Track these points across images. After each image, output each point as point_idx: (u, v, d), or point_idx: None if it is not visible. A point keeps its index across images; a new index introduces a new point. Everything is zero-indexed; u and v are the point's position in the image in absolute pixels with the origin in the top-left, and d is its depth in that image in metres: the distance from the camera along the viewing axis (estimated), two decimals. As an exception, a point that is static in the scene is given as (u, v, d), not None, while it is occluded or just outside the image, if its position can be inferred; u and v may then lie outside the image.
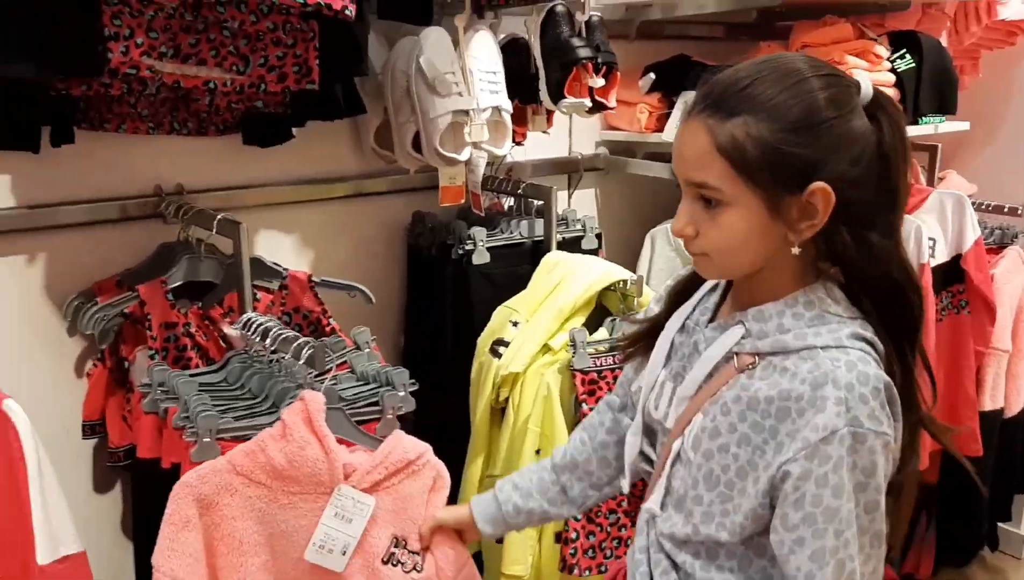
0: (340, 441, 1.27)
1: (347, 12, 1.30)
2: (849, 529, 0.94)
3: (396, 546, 1.27)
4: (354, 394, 1.39)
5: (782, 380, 0.96)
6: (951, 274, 2.24)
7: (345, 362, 1.48)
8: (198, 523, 1.20)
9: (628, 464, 1.20)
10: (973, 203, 2.36)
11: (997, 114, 2.71)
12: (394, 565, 1.26)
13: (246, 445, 1.23)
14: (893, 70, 2.12)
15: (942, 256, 2.22)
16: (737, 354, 1.03)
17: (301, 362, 1.30)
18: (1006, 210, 2.48)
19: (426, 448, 1.30)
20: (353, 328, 1.51)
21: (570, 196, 2.26)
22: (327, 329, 1.59)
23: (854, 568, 0.95)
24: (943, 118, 2.24)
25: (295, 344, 1.31)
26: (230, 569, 1.22)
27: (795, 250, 0.98)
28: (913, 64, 2.12)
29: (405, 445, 1.28)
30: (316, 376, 1.36)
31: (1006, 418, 2.33)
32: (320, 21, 1.42)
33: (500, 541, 1.62)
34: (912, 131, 2.19)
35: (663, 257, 2.18)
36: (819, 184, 0.94)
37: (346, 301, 1.70)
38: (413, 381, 1.40)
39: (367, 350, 1.50)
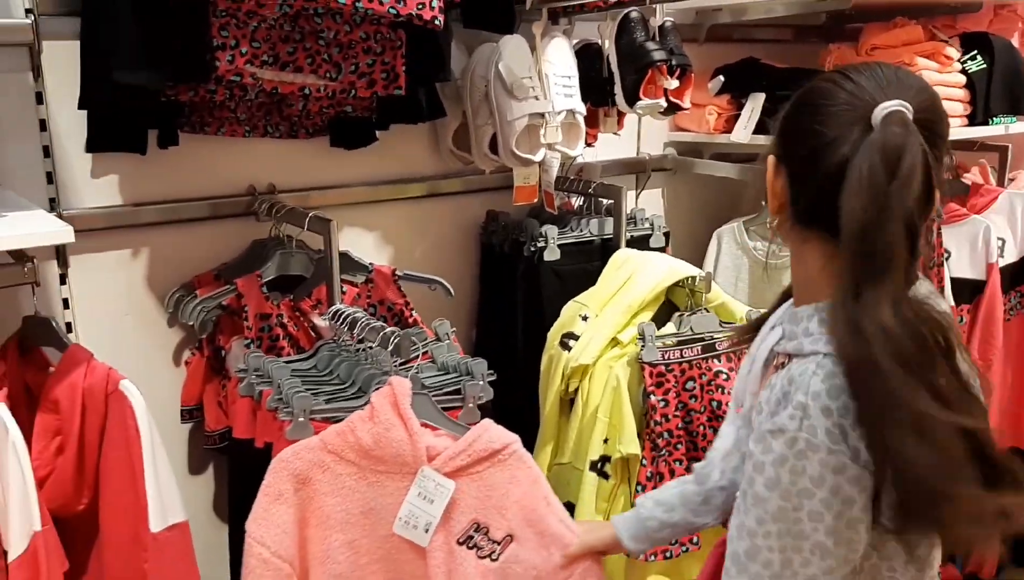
0: (425, 425, 1.34)
1: (436, 22, 1.39)
2: (776, 524, 0.94)
3: (476, 531, 1.32)
4: (436, 382, 1.48)
5: (782, 381, 0.98)
6: (1020, 274, 2.24)
7: (427, 352, 1.56)
8: (292, 497, 1.29)
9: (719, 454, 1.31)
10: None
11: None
12: (470, 548, 1.32)
13: (337, 425, 1.32)
14: (964, 71, 2.13)
15: (1011, 256, 2.23)
16: (777, 354, 1.07)
17: (388, 350, 1.40)
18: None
19: (513, 439, 1.34)
20: (434, 320, 1.59)
21: (638, 195, 2.32)
22: (410, 321, 1.68)
23: (772, 560, 0.95)
24: (1014, 119, 2.24)
25: (382, 333, 1.40)
26: (317, 541, 1.31)
27: (775, 221, 1.05)
28: (984, 65, 2.13)
29: (491, 434, 1.33)
30: (401, 364, 1.45)
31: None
32: (407, 30, 1.51)
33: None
34: (983, 131, 2.20)
35: (729, 255, 2.23)
36: (772, 156, 1.03)
37: (422, 296, 1.79)
38: (491, 371, 1.48)
39: (447, 341, 1.58)
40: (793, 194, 1.01)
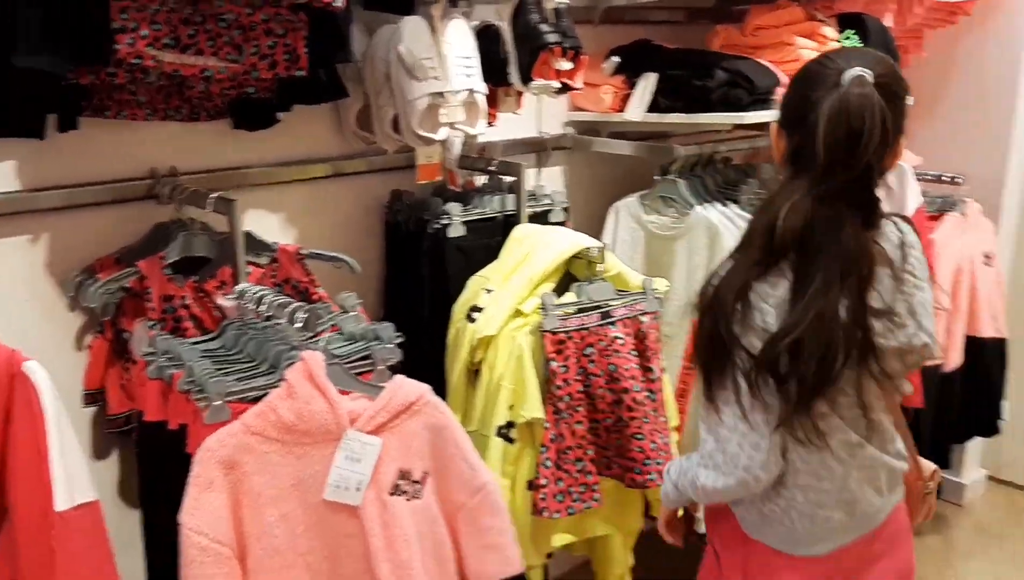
0: (341, 392, 1.40)
1: (336, 4, 1.42)
2: None
3: (401, 478, 1.41)
4: (346, 351, 1.53)
5: None
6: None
7: (335, 325, 1.61)
8: (222, 482, 1.33)
9: None
10: (917, 174, 2.53)
11: (939, 90, 2.88)
12: (399, 495, 1.41)
13: (257, 407, 1.36)
14: (839, 51, 2.27)
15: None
16: None
17: (296, 325, 1.44)
18: (947, 180, 2.66)
19: (425, 388, 1.45)
20: (339, 294, 1.64)
21: (539, 173, 2.40)
22: (315, 298, 1.71)
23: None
24: (886, 95, 2.38)
25: (289, 309, 1.44)
26: (251, 520, 1.36)
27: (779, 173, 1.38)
28: (859, 44, 2.27)
29: (406, 389, 1.43)
30: (309, 338, 1.49)
31: (944, 373, 2.51)
32: (308, 12, 1.54)
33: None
34: (857, 108, 2.34)
35: (626, 228, 2.33)
36: (774, 123, 1.38)
37: (329, 276, 1.83)
38: (399, 334, 1.54)
39: (354, 313, 1.62)
40: (789, 147, 1.32)
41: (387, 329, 1.52)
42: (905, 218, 1.37)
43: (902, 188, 2.42)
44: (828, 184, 1.24)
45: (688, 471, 1.44)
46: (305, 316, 1.42)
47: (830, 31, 2.25)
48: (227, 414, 1.38)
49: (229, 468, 1.34)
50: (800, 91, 1.32)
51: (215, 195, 1.59)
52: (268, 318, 1.51)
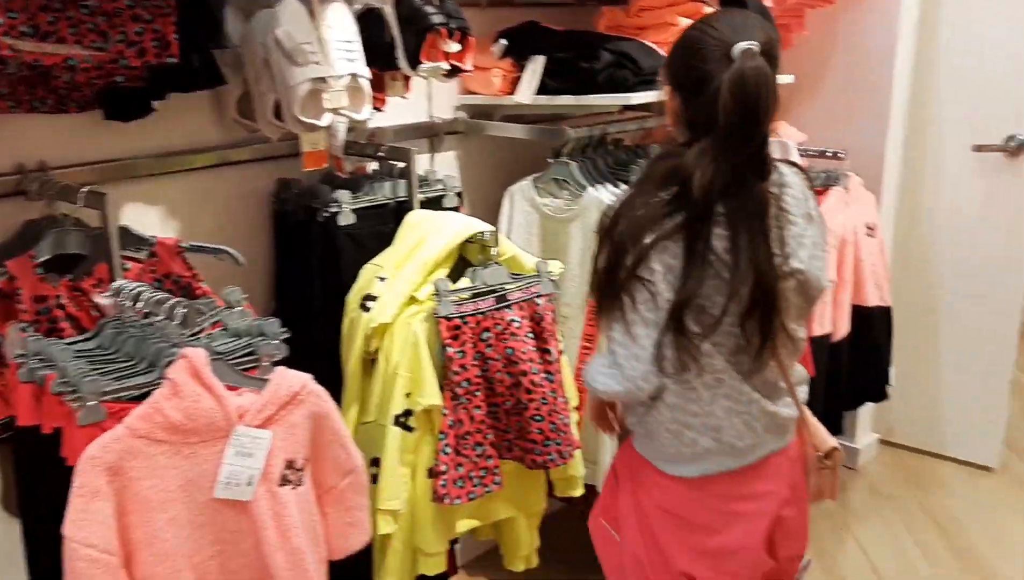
0: (228, 388, 1.38)
1: (197, -13, 1.37)
2: None
3: (287, 468, 1.41)
4: (230, 348, 1.48)
5: None
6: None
7: (218, 322, 1.56)
8: (107, 490, 1.29)
9: None
10: (801, 150, 2.61)
11: (821, 67, 2.97)
12: (286, 485, 1.41)
13: (140, 408, 1.31)
14: (721, 30, 2.30)
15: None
16: None
17: (175, 322, 1.39)
18: (829, 155, 2.75)
19: (308, 379, 1.45)
20: (224, 288, 1.59)
21: (432, 158, 2.38)
22: (198, 292, 1.66)
23: None
24: (768, 73, 2.44)
25: (167, 305, 1.39)
26: (139, 526, 1.32)
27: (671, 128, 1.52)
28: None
29: (289, 380, 1.43)
30: (191, 335, 1.45)
31: (832, 342, 2.60)
32: (176, -2, 1.48)
33: (375, 480, 1.74)
34: (741, 86, 2.39)
35: (522, 212, 2.33)
36: (667, 86, 1.49)
37: (216, 269, 1.77)
38: (284, 329, 1.50)
39: (239, 308, 1.58)
40: (684, 110, 1.46)
41: (272, 325, 1.49)
42: (794, 164, 1.53)
43: (787, 164, 2.49)
44: (733, 150, 1.36)
45: (591, 374, 1.55)
46: (184, 312, 1.37)
47: (711, 10, 2.28)
48: (103, 414, 1.33)
49: (114, 474, 1.30)
50: (689, 60, 1.42)
51: (86, 189, 1.52)
52: (147, 315, 1.45)
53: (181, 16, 1.50)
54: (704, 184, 1.36)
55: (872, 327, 2.73)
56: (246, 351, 1.48)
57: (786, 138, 2.70)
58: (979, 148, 2.93)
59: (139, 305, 1.43)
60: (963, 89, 2.93)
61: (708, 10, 2.28)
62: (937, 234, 3.07)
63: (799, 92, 2.97)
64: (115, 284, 1.49)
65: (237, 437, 1.35)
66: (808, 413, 1.61)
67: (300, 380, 1.44)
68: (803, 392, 1.58)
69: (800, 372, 1.58)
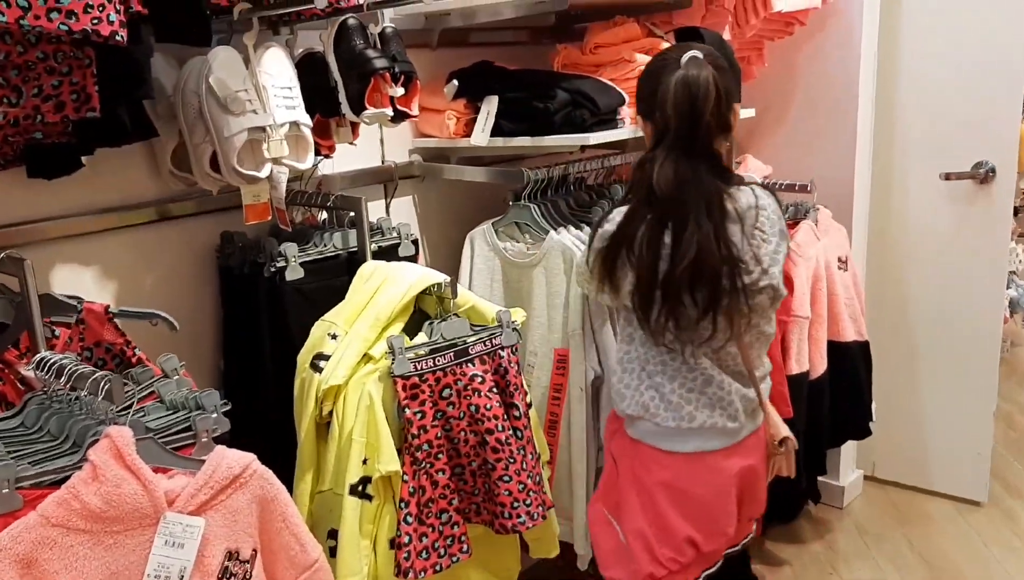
0: (157, 470, 1.25)
1: (118, 38, 1.27)
2: None
3: (229, 559, 1.28)
4: (164, 423, 1.36)
5: None
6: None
7: (152, 392, 1.44)
8: None
9: None
10: (768, 184, 2.53)
11: (785, 99, 2.92)
12: (227, 579, 1.27)
13: (56, 494, 1.18)
14: (681, 64, 2.24)
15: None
16: None
17: (100, 398, 1.27)
18: (797, 188, 2.68)
19: (251, 459, 1.31)
20: (159, 356, 1.47)
21: (388, 205, 2.28)
22: (133, 360, 1.54)
23: None
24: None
25: (91, 379, 1.27)
26: None
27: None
28: (698, 57, 2.25)
29: (229, 460, 1.29)
30: (120, 410, 1.33)
31: (811, 380, 2.51)
32: (95, 47, 1.38)
33: (333, 554, 1.62)
34: (704, 121, 2.33)
35: (482, 257, 2.23)
36: (639, 116, 1.75)
37: (159, 331, 1.65)
38: (225, 401, 1.39)
39: (176, 377, 1.46)
40: (654, 132, 1.66)
41: (211, 396, 1.37)
42: (767, 187, 1.75)
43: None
44: (681, 142, 1.60)
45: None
46: (108, 386, 1.25)
47: (668, 46, 2.22)
48: (18, 503, 1.19)
49: (26, 567, 1.16)
50: (649, 83, 1.66)
51: (3, 254, 1.40)
52: (74, 388, 1.33)
53: (102, 67, 1.40)
54: (663, 179, 1.60)
55: (851, 363, 2.65)
56: (182, 426, 1.36)
57: (752, 172, 2.63)
58: (948, 176, 2.88)
59: (63, 379, 1.31)
60: (929, 117, 2.89)
61: (665, 46, 2.22)
62: (910, 264, 3.01)
63: (763, 125, 2.92)
64: (38, 356, 1.37)
65: (166, 525, 1.22)
66: (768, 403, 1.85)
67: (242, 460, 1.31)
68: (766, 385, 1.85)
69: (767, 365, 1.86)
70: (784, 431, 1.87)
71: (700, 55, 1.60)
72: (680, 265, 1.60)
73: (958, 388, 3.04)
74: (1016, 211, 3.70)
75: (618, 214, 1.71)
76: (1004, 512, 3.08)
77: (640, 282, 1.67)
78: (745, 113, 2.42)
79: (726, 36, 2.44)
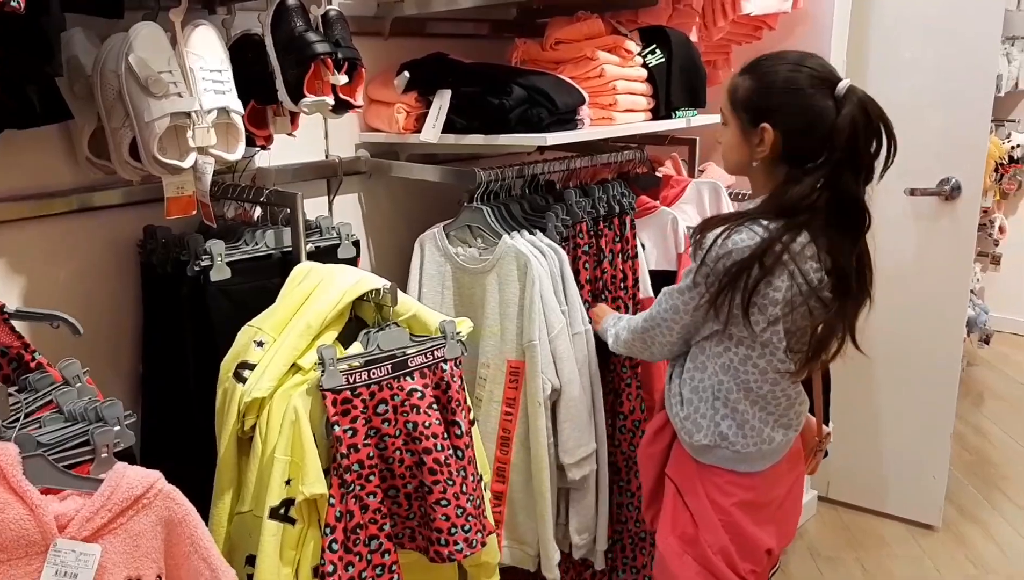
0: (47, 491, 1.13)
1: (13, 4, 1.13)
2: None
3: None
4: (58, 437, 1.22)
5: None
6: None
7: (51, 402, 1.30)
8: None
9: None
10: (731, 193, 2.44)
11: (751, 107, 2.82)
12: None
13: (-70, 520, 1.05)
14: (645, 65, 2.14)
15: (704, 244, 2.27)
16: None
17: (-19, 409, 1.13)
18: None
19: (156, 478, 1.19)
20: (60, 361, 1.33)
21: (331, 202, 2.14)
22: (32, 365, 1.39)
23: None
24: (695, 111, 2.29)
25: (-29, 390, 1.13)
26: None
27: (755, 164, 1.64)
28: (663, 59, 2.15)
29: (130, 480, 1.17)
30: (7, 422, 1.18)
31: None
32: (-6, 17, 1.23)
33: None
34: (666, 125, 2.22)
35: (433, 262, 2.10)
36: (765, 124, 1.59)
37: (69, 335, 1.50)
38: (129, 413, 1.25)
39: (78, 385, 1.32)
40: (785, 145, 1.59)
41: (113, 406, 1.23)
42: None
43: (717, 206, 2.33)
44: (859, 168, 1.57)
45: (619, 325, 1.90)
46: (-11, 398, 1.11)
47: (633, 45, 2.12)
48: None
49: None
50: (793, 100, 1.57)
51: None
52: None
53: (4, 40, 1.25)
54: (819, 204, 1.55)
55: (808, 382, 2.56)
56: (79, 441, 1.22)
57: (716, 179, 2.54)
58: (913, 192, 2.82)
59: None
60: (896, 131, 2.82)
61: (629, 44, 2.12)
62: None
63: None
64: (-83, 360, 1.23)
65: (56, 553, 1.10)
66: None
67: (145, 479, 1.18)
68: None
69: None
70: (827, 428, 1.94)
71: (849, 81, 1.58)
72: (852, 294, 1.63)
73: (915, 409, 2.98)
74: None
75: (745, 235, 1.57)
76: (957, 536, 3.03)
77: (832, 305, 1.61)
78: (710, 119, 2.32)
79: (693, 38, 2.34)
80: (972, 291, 4.39)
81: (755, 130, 1.60)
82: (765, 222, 1.57)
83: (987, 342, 4.65)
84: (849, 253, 1.60)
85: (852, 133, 1.53)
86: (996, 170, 4.79)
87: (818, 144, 1.55)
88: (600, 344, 2.04)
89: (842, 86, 1.55)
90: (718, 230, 1.59)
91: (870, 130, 1.56)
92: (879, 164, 1.61)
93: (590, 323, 2.05)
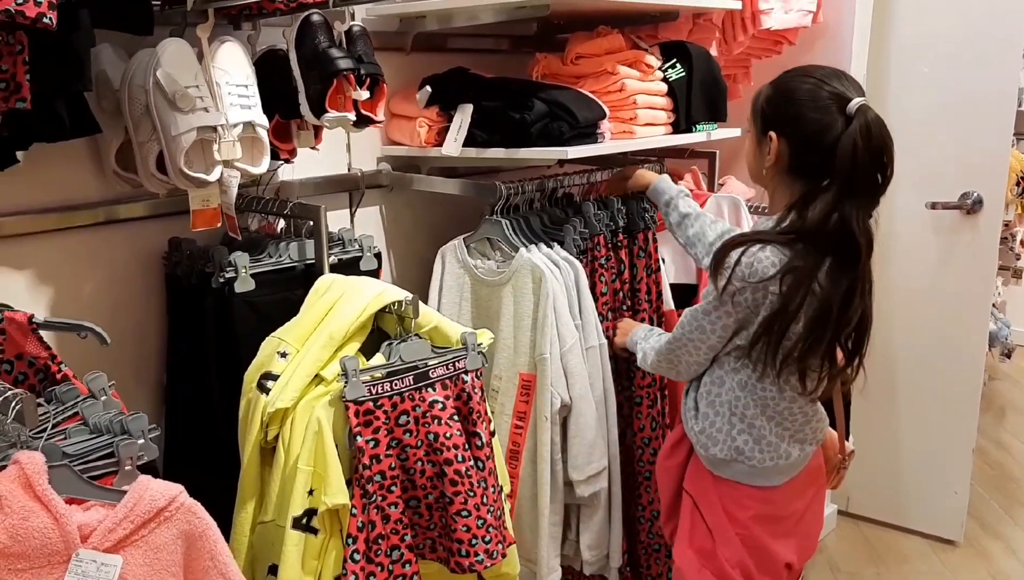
0: (71, 501, 1.14)
1: (45, 20, 1.15)
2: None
3: None
4: (83, 448, 1.24)
5: None
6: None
7: (76, 414, 1.32)
8: None
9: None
10: (749, 207, 2.44)
11: (770, 121, 2.82)
12: None
13: (-44, 528, 1.06)
14: (665, 80, 2.15)
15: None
16: None
17: (9, 420, 1.14)
18: (781, 213, 2.58)
19: (178, 491, 1.20)
20: (86, 374, 1.35)
21: (353, 215, 2.16)
22: (58, 376, 1.41)
23: None
24: (715, 125, 2.29)
25: (2, 399, 1.15)
26: None
27: (765, 172, 1.65)
28: (683, 73, 2.16)
29: (153, 493, 1.17)
30: (35, 433, 1.20)
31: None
32: (28, 33, 1.26)
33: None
34: (687, 138, 2.23)
35: (452, 274, 2.11)
36: (772, 133, 1.61)
37: (97, 344, 1.52)
38: (154, 426, 1.27)
39: (104, 398, 1.34)
40: (792, 157, 1.60)
41: (138, 420, 1.25)
42: None
43: (736, 220, 2.33)
44: (861, 194, 1.55)
45: (648, 344, 1.88)
46: (19, 407, 1.13)
47: (653, 60, 2.13)
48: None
49: None
50: (805, 111, 1.57)
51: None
52: (-11, 407, 1.21)
53: (36, 55, 1.28)
54: (835, 227, 1.53)
55: (829, 399, 2.55)
56: (104, 453, 1.24)
57: (736, 193, 2.54)
58: (934, 205, 2.81)
59: (-28, 397, 1.18)
60: (917, 145, 2.82)
61: (650, 59, 2.13)
62: (893, 295, 2.92)
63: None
64: (-53, 370, 1.25)
65: (77, 563, 1.11)
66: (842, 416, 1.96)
67: (168, 492, 1.19)
68: None
69: None
70: (850, 445, 1.95)
71: (864, 99, 1.54)
72: (852, 318, 1.59)
73: (937, 423, 2.96)
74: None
75: (769, 252, 1.58)
76: (979, 552, 3.00)
77: (811, 328, 1.57)
78: (730, 133, 2.33)
79: (713, 52, 2.35)
80: (994, 305, 4.35)
81: (765, 138, 1.63)
82: (786, 243, 1.57)
83: (1009, 356, 4.60)
84: (838, 281, 1.56)
85: (852, 152, 1.50)
86: (1018, 184, 4.75)
87: (822, 160, 1.54)
88: (616, 359, 2.05)
89: (853, 104, 1.52)
90: (740, 249, 1.59)
91: (870, 152, 1.52)
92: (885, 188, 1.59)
93: (614, 336, 2.05)
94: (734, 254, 1.59)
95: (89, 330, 1.42)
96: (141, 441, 1.24)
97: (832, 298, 1.55)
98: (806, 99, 1.57)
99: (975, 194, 2.77)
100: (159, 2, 1.53)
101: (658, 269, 2.19)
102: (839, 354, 1.64)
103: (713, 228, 1.96)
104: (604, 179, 2.24)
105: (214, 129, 1.49)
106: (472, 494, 1.60)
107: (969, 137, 2.75)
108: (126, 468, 1.22)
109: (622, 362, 2.10)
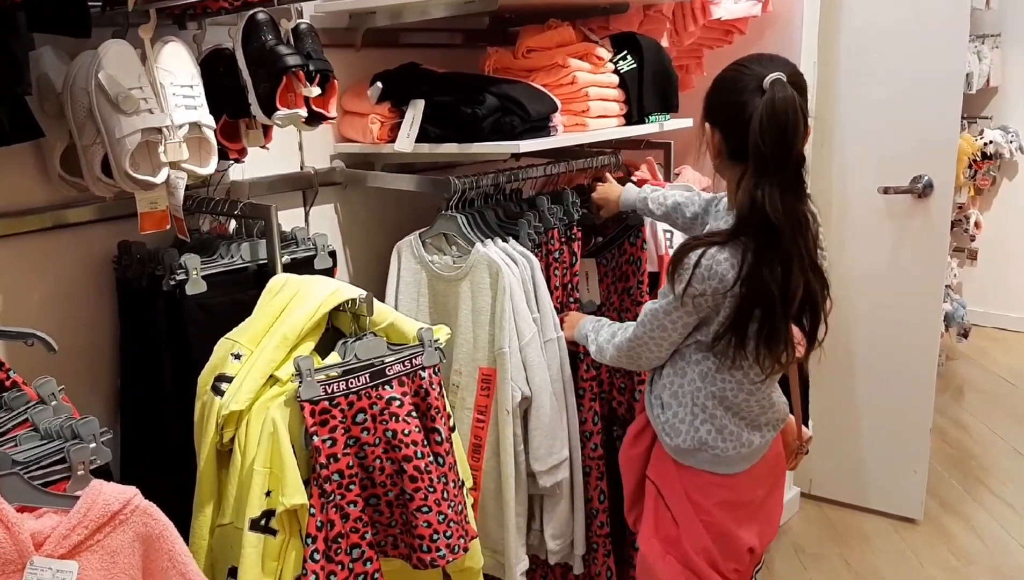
0: (23, 509, 1.13)
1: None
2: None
3: None
4: (35, 455, 1.23)
5: None
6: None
7: (26, 420, 1.30)
8: None
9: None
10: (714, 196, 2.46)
11: (724, 110, 2.85)
12: None
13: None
14: (617, 71, 2.16)
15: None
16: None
17: (-45, 429, 1.13)
18: (736, 201, 2.61)
19: (132, 494, 1.19)
20: (35, 379, 1.33)
21: (307, 213, 2.15)
22: (7, 383, 1.39)
23: None
24: (668, 116, 2.31)
25: (-55, 408, 1.13)
26: None
27: (714, 163, 1.71)
28: (634, 65, 2.16)
29: (106, 497, 1.17)
30: (-18, 442, 1.19)
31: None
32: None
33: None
34: (640, 129, 2.24)
35: (408, 270, 2.11)
36: (706, 123, 1.68)
37: (46, 354, 1.50)
38: (106, 429, 1.26)
39: (54, 403, 1.32)
40: (725, 143, 1.63)
41: (89, 424, 1.24)
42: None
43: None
44: (772, 172, 1.52)
45: (601, 338, 1.90)
46: (-37, 417, 1.11)
47: (604, 52, 2.14)
48: None
49: None
50: (726, 96, 1.61)
51: None
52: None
53: (-28, 58, 1.26)
54: (756, 207, 1.54)
55: (785, 383, 2.58)
56: (55, 458, 1.22)
57: (690, 182, 2.56)
58: (886, 190, 2.85)
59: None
60: (868, 130, 2.87)
61: (601, 51, 2.13)
62: (847, 279, 2.97)
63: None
64: None
65: (33, 571, 1.10)
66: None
67: (122, 495, 1.18)
68: None
69: None
70: (808, 431, 1.98)
71: (783, 76, 1.53)
72: (795, 296, 1.59)
73: (895, 404, 3.01)
74: (951, 225, 3.70)
75: (727, 254, 1.60)
76: (939, 529, 3.06)
77: (762, 314, 1.60)
78: (682, 123, 2.34)
79: (664, 43, 2.36)
80: (949, 286, 4.43)
81: (703, 130, 1.69)
82: (742, 240, 1.59)
83: (965, 336, 4.70)
84: (771, 262, 1.56)
85: (759, 129, 1.51)
86: (970, 167, 4.84)
87: (743, 142, 1.55)
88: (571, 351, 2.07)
89: (767, 80, 1.53)
90: (698, 252, 1.61)
91: (774, 127, 1.50)
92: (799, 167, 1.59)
93: (562, 330, 2.06)
94: (692, 256, 1.61)
95: (36, 338, 1.40)
96: (93, 445, 1.23)
97: (770, 281, 1.57)
98: (728, 85, 1.61)
99: (926, 178, 2.81)
100: (99, 3, 1.51)
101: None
102: (797, 333, 1.67)
103: (690, 208, 2.02)
104: (559, 172, 2.25)
105: (159, 131, 1.47)
106: (432, 490, 1.60)
107: (919, 122, 2.79)
108: (79, 473, 1.21)
109: (567, 355, 2.11)
